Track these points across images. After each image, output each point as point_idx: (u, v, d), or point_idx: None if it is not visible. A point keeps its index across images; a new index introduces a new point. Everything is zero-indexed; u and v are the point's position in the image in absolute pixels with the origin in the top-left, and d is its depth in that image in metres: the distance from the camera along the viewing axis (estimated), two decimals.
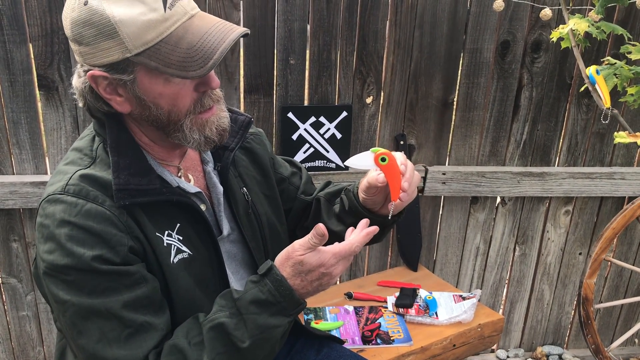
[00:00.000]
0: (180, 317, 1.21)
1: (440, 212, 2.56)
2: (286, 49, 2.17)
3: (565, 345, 2.90)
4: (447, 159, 2.48)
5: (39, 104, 2.09)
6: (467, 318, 2.07)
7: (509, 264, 2.71)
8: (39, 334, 2.39)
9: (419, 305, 2.11)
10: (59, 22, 1.98)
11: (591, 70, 1.78)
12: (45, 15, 1.97)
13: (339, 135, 2.29)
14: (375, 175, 1.31)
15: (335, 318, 2.07)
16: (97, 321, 1.11)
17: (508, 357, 2.83)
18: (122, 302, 1.11)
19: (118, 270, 1.11)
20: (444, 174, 2.41)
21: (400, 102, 2.33)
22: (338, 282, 2.53)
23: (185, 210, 1.24)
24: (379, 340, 1.95)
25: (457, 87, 2.36)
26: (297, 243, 1.17)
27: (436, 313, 2.08)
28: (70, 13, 1.11)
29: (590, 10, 1.97)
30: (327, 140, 2.29)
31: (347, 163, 1.30)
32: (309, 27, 2.17)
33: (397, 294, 2.18)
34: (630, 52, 1.77)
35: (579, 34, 1.80)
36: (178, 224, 1.23)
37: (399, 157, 1.29)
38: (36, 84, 2.05)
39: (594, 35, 1.77)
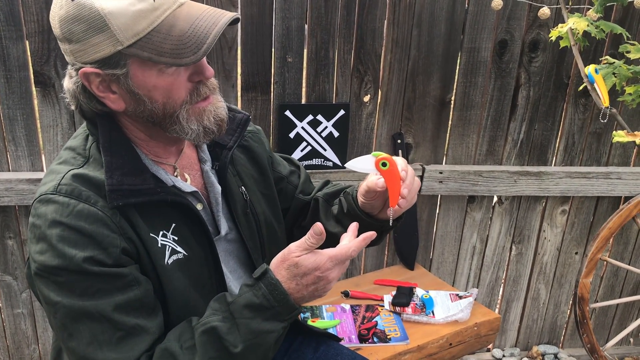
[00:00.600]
0: (174, 319, 1.20)
1: (437, 211, 2.56)
2: (284, 47, 2.16)
3: (560, 345, 2.91)
4: (444, 158, 2.48)
5: (35, 101, 2.08)
6: (463, 317, 2.06)
7: (505, 263, 2.71)
8: (34, 331, 2.38)
9: (416, 304, 2.11)
10: None
11: (590, 69, 1.79)
12: (41, 11, 1.96)
13: (336, 134, 2.29)
14: (375, 179, 1.30)
15: (332, 316, 2.07)
16: (88, 323, 1.09)
17: (504, 356, 2.83)
18: (113, 305, 1.09)
19: (110, 272, 1.09)
20: (441, 172, 2.41)
21: (398, 100, 2.33)
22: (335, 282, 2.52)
23: (180, 210, 1.22)
24: (375, 339, 1.95)
25: (455, 86, 2.36)
26: (294, 245, 1.16)
27: (433, 312, 2.08)
28: (58, 11, 1.09)
29: (589, 9, 1.97)
30: (324, 139, 2.29)
31: (347, 165, 1.29)
32: (306, 25, 2.17)
33: (394, 292, 2.18)
34: (629, 52, 1.77)
35: (578, 33, 1.80)
36: (173, 224, 1.21)
37: (400, 162, 1.28)
38: (32, 80, 2.04)
39: (592, 35, 1.78)
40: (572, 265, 2.74)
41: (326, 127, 2.28)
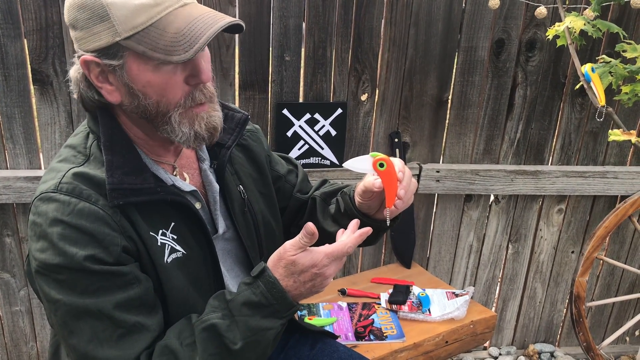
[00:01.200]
0: (173, 317, 1.20)
1: (434, 210, 2.57)
2: (281, 46, 2.17)
3: (557, 343, 2.92)
4: (441, 156, 2.49)
5: (33, 99, 2.08)
6: (459, 315, 2.07)
7: (501, 261, 2.72)
8: (32, 329, 2.38)
9: (412, 302, 2.12)
10: (54, 17, 1.98)
11: (586, 68, 1.79)
12: (40, 9, 1.96)
13: (333, 132, 2.30)
14: (372, 180, 1.30)
15: (329, 314, 2.08)
16: (88, 321, 1.10)
17: (500, 354, 2.84)
18: (114, 303, 1.10)
19: (110, 270, 1.10)
20: (437, 171, 2.41)
21: (395, 99, 2.34)
22: (332, 279, 2.53)
23: (179, 209, 1.22)
24: (372, 337, 1.96)
25: (452, 85, 2.37)
26: (288, 243, 1.17)
27: (429, 310, 2.09)
28: None
29: (586, 8, 1.98)
30: (321, 137, 2.30)
31: (345, 165, 1.30)
32: (304, 24, 2.17)
33: (391, 290, 2.19)
34: (625, 51, 1.77)
35: (575, 32, 1.81)
36: (172, 223, 1.22)
37: (398, 163, 1.29)
38: (30, 78, 2.04)
39: (589, 34, 1.78)
40: (568, 264, 2.75)
41: (324, 126, 2.28)
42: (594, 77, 1.76)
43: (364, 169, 1.28)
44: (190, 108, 1.16)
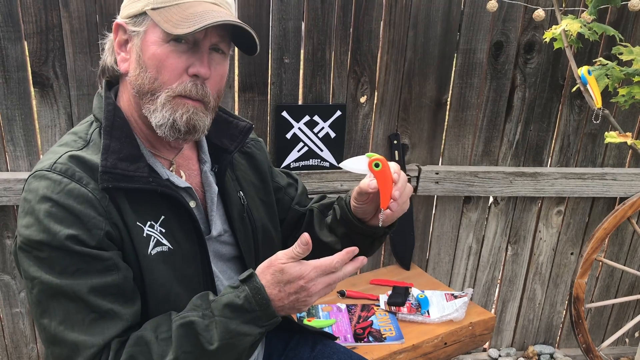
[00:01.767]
0: (153, 310, 1.20)
1: (433, 212, 2.58)
2: (281, 48, 2.18)
3: (556, 345, 2.92)
4: (440, 158, 2.50)
5: (34, 101, 2.09)
6: (458, 316, 2.08)
7: (501, 263, 2.72)
8: (32, 330, 2.39)
9: (411, 303, 2.12)
10: (54, 20, 1.99)
11: (583, 70, 1.80)
12: (40, 12, 1.97)
13: (333, 134, 2.31)
14: (367, 181, 1.31)
15: (328, 316, 2.08)
16: (62, 302, 1.10)
17: (500, 356, 2.84)
18: (90, 286, 1.11)
19: (90, 253, 1.11)
20: (437, 173, 2.42)
21: (394, 101, 2.35)
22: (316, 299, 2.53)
23: (172, 203, 1.23)
24: (370, 338, 1.97)
25: (451, 87, 2.37)
26: (281, 252, 1.17)
27: (428, 311, 2.10)
28: None
29: (584, 11, 1.98)
30: (321, 139, 2.30)
31: (341, 165, 1.31)
32: (303, 26, 2.18)
33: (390, 292, 2.19)
34: (621, 53, 1.78)
35: (572, 35, 1.82)
36: (162, 217, 1.22)
37: (393, 166, 1.29)
38: (31, 81, 2.05)
39: (586, 36, 1.79)
40: (567, 265, 2.75)
41: (323, 128, 2.29)
42: (591, 79, 1.76)
43: (359, 169, 1.28)
44: (179, 97, 1.19)
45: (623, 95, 1.82)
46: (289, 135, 2.27)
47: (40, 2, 1.96)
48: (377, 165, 1.25)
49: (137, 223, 1.18)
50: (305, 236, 1.14)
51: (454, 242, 2.64)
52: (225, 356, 1.13)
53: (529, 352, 2.85)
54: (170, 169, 1.30)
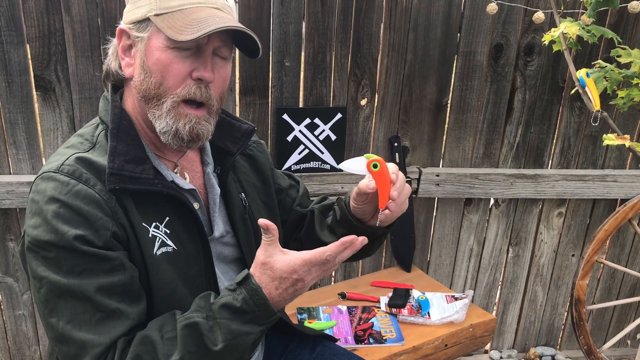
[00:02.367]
0: (159, 310, 1.22)
1: (434, 214, 2.58)
2: (281, 51, 2.19)
3: (558, 347, 2.92)
4: (441, 160, 2.50)
5: (36, 105, 2.10)
6: (459, 318, 2.08)
7: (502, 265, 2.73)
8: (35, 333, 2.40)
9: (412, 305, 2.13)
10: (57, 23, 2.00)
11: (581, 73, 1.80)
12: (42, 16, 1.99)
13: (333, 137, 2.31)
14: (366, 181, 1.33)
15: (329, 318, 2.09)
16: (70, 301, 1.12)
17: (501, 357, 2.84)
18: (97, 286, 1.12)
19: (98, 253, 1.12)
20: (437, 175, 2.43)
21: (395, 104, 2.35)
22: (332, 283, 2.55)
23: (176, 205, 1.25)
24: (371, 340, 1.97)
25: (451, 90, 2.38)
26: (258, 254, 1.18)
27: (428, 313, 2.10)
28: None
29: (583, 14, 1.99)
30: (321, 142, 2.31)
31: (340, 166, 1.32)
32: (304, 29, 2.19)
33: (390, 294, 2.20)
34: (620, 56, 1.79)
35: (570, 38, 1.82)
36: (167, 218, 1.24)
37: (391, 166, 1.31)
38: (33, 84, 2.07)
39: (585, 39, 1.80)
40: (568, 267, 2.75)
41: (323, 131, 2.30)
42: (589, 82, 1.77)
43: (358, 170, 1.30)
44: (186, 105, 1.21)
45: (622, 98, 1.82)
46: (289, 138, 2.28)
47: (43, 6, 1.98)
48: (375, 166, 1.27)
49: (143, 224, 1.20)
50: (262, 221, 1.15)
51: (455, 244, 2.64)
52: (229, 356, 1.15)
53: (531, 353, 2.85)
54: (175, 170, 1.32)
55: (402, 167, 2.40)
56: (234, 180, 1.43)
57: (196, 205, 1.31)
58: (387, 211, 1.31)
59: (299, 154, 2.31)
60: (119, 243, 1.17)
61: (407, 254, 2.52)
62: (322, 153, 2.33)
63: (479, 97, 2.40)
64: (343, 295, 2.26)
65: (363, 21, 2.21)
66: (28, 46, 2.02)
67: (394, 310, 2.12)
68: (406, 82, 2.33)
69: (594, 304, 2.81)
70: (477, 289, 2.75)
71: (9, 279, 2.29)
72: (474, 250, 2.67)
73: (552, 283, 2.78)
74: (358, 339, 1.97)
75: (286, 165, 2.31)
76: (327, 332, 1.98)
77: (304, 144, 2.30)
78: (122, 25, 1.24)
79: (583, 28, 1.76)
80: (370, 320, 2.08)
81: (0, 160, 2.13)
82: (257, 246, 1.43)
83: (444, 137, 2.46)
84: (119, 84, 1.32)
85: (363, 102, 2.32)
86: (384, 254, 2.60)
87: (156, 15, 1.17)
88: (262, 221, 1.15)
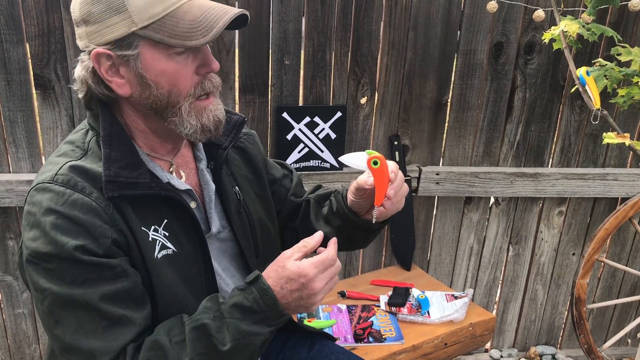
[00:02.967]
0: (163, 313, 1.22)
1: (434, 212, 2.58)
2: (281, 50, 2.19)
3: (558, 345, 2.92)
4: (441, 159, 2.50)
5: (36, 103, 2.10)
6: (458, 317, 2.08)
7: (502, 264, 2.72)
8: (34, 331, 2.40)
9: (411, 304, 2.12)
10: (56, 22, 2.00)
11: (581, 71, 1.80)
12: (42, 14, 1.99)
13: (333, 136, 2.31)
14: (365, 177, 1.33)
15: (328, 316, 2.09)
16: (75, 311, 1.11)
17: (501, 356, 2.84)
18: (101, 294, 1.12)
19: (99, 262, 1.12)
20: (437, 174, 2.42)
21: (395, 102, 2.35)
22: (321, 298, 2.54)
23: (173, 206, 1.25)
24: (370, 339, 1.97)
25: (451, 88, 2.38)
26: (288, 250, 1.21)
27: (428, 312, 2.10)
28: None
29: (583, 12, 1.99)
30: (321, 140, 2.31)
31: (341, 159, 1.33)
32: (303, 27, 2.19)
33: (390, 293, 2.20)
34: (620, 54, 1.78)
35: (570, 36, 1.82)
36: (165, 220, 1.24)
37: (391, 165, 1.31)
38: (33, 83, 2.07)
39: (585, 37, 1.79)
40: (569, 266, 2.75)
41: (323, 129, 2.30)
42: (589, 80, 1.77)
43: (358, 165, 1.30)
44: (199, 100, 1.21)
45: (622, 96, 1.82)
46: (289, 137, 2.28)
47: (42, 4, 1.98)
48: (375, 163, 1.27)
49: (142, 228, 1.20)
50: (318, 234, 1.21)
51: (455, 243, 2.64)
52: (238, 356, 1.15)
53: (531, 352, 2.84)
54: (170, 170, 1.31)
55: (402, 166, 2.39)
56: (227, 174, 1.43)
57: (193, 205, 1.31)
58: (382, 208, 1.32)
59: (299, 152, 2.31)
60: (119, 249, 1.16)
61: (407, 252, 2.51)
62: (322, 152, 2.32)
63: (479, 96, 2.40)
64: (342, 294, 2.25)
65: (363, 19, 2.20)
66: (27, 44, 2.02)
67: (393, 309, 2.11)
68: (406, 81, 2.32)
69: (595, 302, 2.80)
70: (477, 287, 2.74)
71: (9, 277, 2.29)
72: (474, 249, 2.66)
73: (552, 282, 2.78)
74: (357, 338, 1.97)
75: None
76: (326, 330, 1.98)
77: (304, 143, 2.30)
78: (97, 48, 1.14)
79: (583, 26, 1.75)
80: (370, 319, 2.07)
81: None
82: (254, 239, 1.44)
83: (444, 135, 2.46)
84: (107, 102, 1.25)
85: (363, 100, 2.32)
86: (383, 253, 2.60)
87: (143, 27, 1.12)
88: (319, 233, 1.22)
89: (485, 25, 2.28)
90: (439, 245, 2.63)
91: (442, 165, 2.50)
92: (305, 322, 2.04)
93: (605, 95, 2.13)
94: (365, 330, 2.01)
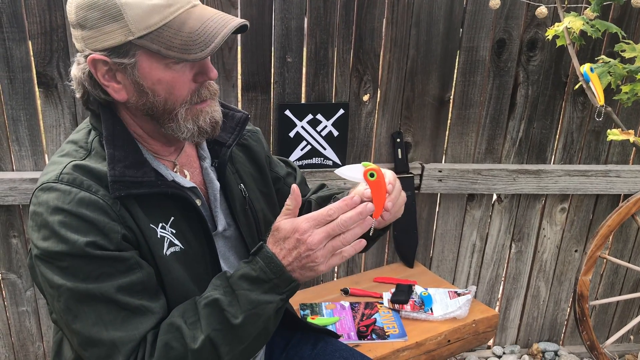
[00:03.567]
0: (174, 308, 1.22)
1: (437, 210, 2.58)
2: (283, 47, 2.18)
3: (561, 342, 2.92)
4: (444, 156, 2.50)
5: (38, 101, 2.10)
6: (461, 314, 2.08)
7: (505, 261, 2.72)
8: (38, 329, 2.41)
9: (414, 301, 2.13)
10: (58, 20, 2.00)
11: (585, 68, 1.80)
12: (44, 13, 1.99)
13: (335, 133, 2.31)
14: (362, 189, 1.29)
15: (332, 314, 2.09)
16: (92, 305, 1.11)
17: (504, 353, 2.85)
18: (116, 286, 1.12)
19: (112, 256, 1.12)
20: (440, 171, 2.42)
21: (397, 99, 2.35)
22: (335, 279, 2.55)
23: (179, 204, 1.25)
24: (374, 336, 1.97)
25: (454, 85, 2.38)
26: (279, 216, 1.20)
27: (431, 309, 2.10)
28: None
29: (587, 8, 1.98)
30: (324, 138, 2.31)
31: (337, 172, 1.30)
32: (306, 25, 2.19)
33: (393, 290, 2.20)
34: (624, 51, 1.78)
35: (574, 32, 1.82)
36: (172, 218, 1.24)
37: (388, 175, 1.29)
38: (35, 81, 2.07)
39: (588, 34, 1.79)
40: (571, 263, 2.75)
41: (326, 127, 2.30)
42: (593, 77, 1.76)
43: (355, 177, 1.27)
44: (195, 104, 1.21)
45: (626, 93, 1.82)
46: (292, 134, 2.28)
47: (44, 3, 1.98)
48: (372, 175, 1.24)
49: (151, 225, 1.20)
50: (293, 187, 1.17)
51: (458, 240, 2.64)
52: (252, 327, 1.15)
53: (534, 349, 2.85)
54: (174, 169, 1.31)
55: (405, 163, 2.39)
56: (232, 171, 1.42)
57: (198, 202, 1.31)
58: (380, 219, 1.30)
59: (301, 150, 2.31)
60: (129, 244, 1.16)
61: (410, 249, 2.51)
62: (325, 149, 2.32)
63: (482, 93, 2.39)
64: (346, 291, 2.26)
65: (365, 16, 2.20)
66: (30, 43, 2.02)
67: (396, 306, 2.11)
68: (408, 78, 2.32)
69: (597, 299, 2.80)
70: (479, 284, 2.75)
71: (12, 275, 2.29)
72: (476, 245, 2.66)
73: (554, 279, 2.78)
74: (361, 335, 1.97)
75: None
76: (330, 328, 1.98)
77: (306, 140, 2.30)
78: (93, 53, 1.14)
79: (587, 22, 1.75)
80: (373, 316, 2.08)
81: (2, 157, 2.13)
82: (259, 237, 1.44)
83: (447, 132, 2.46)
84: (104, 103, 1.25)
85: (365, 97, 2.32)
86: (386, 250, 2.60)
87: (140, 37, 1.10)
88: (294, 186, 1.18)
89: (488, 22, 2.28)
90: (441, 243, 2.63)
91: (445, 162, 2.50)
92: (309, 319, 2.04)
93: (608, 91, 2.13)
94: (369, 328, 2.01)
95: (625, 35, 1.90)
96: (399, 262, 2.56)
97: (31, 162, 2.15)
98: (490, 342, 2.89)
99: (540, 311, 2.84)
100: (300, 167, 2.32)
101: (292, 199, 1.18)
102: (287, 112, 2.25)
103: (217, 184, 1.36)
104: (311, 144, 2.31)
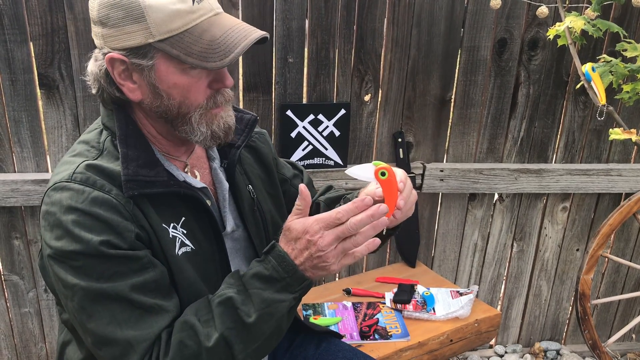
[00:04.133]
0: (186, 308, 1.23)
1: (438, 209, 2.58)
2: (285, 48, 2.19)
3: (563, 341, 2.92)
4: (445, 156, 2.50)
5: (40, 103, 2.11)
6: (464, 313, 2.08)
7: (506, 260, 2.73)
8: (40, 330, 2.41)
9: (417, 301, 2.13)
10: (60, 22, 2.00)
11: (587, 67, 1.80)
12: (45, 14, 1.99)
13: (337, 133, 2.31)
14: (373, 188, 1.30)
15: (334, 314, 2.09)
16: (106, 304, 1.12)
17: (506, 352, 2.85)
18: (130, 285, 1.12)
19: (126, 255, 1.12)
20: (441, 171, 2.42)
21: (398, 99, 2.35)
22: (337, 279, 2.55)
23: (190, 204, 1.25)
24: (376, 336, 1.97)
25: (455, 85, 2.38)
26: (290, 216, 1.20)
27: (433, 309, 2.10)
28: None
29: (587, 7, 1.98)
30: (325, 138, 2.31)
31: (347, 172, 1.29)
32: (307, 25, 2.19)
33: (395, 290, 2.20)
34: (625, 50, 1.78)
35: (575, 32, 1.82)
36: (183, 218, 1.24)
37: (399, 174, 1.29)
38: (37, 82, 2.07)
39: (590, 33, 1.79)
40: (573, 262, 2.75)
41: (327, 127, 2.30)
42: (595, 76, 1.77)
43: (365, 177, 1.26)
44: (210, 109, 1.21)
45: (627, 92, 1.82)
46: (293, 134, 2.28)
47: (46, 4, 1.98)
48: (383, 174, 1.24)
49: (163, 225, 1.20)
50: (301, 187, 1.16)
51: (460, 240, 2.64)
52: (265, 326, 1.15)
53: (535, 348, 2.85)
54: (185, 170, 1.32)
55: (406, 163, 2.39)
56: (241, 172, 1.43)
57: (208, 203, 1.31)
58: (392, 218, 1.30)
59: (303, 150, 2.31)
60: (142, 244, 1.17)
61: (412, 249, 2.52)
62: (326, 149, 2.33)
63: (483, 92, 2.39)
64: (348, 291, 2.26)
65: (366, 17, 2.20)
66: (31, 44, 2.02)
67: (399, 306, 2.12)
68: (410, 78, 2.32)
69: (599, 298, 2.80)
70: (481, 284, 2.75)
71: (15, 276, 2.30)
72: (478, 245, 2.67)
73: (556, 278, 2.78)
74: (363, 335, 1.98)
75: None
76: (332, 328, 1.98)
77: (308, 140, 2.30)
78: (112, 52, 1.15)
79: (588, 22, 1.75)
80: (376, 316, 2.08)
81: (4, 159, 2.13)
82: (267, 238, 1.44)
83: (448, 132, 2.46)
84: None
85: (367, 97, 2.32)
86: (388, 250, 2.60)
87: (160, 41, 1.11)
88: (301, 186, 1.17)
89: (489, 22, 2.28)
90: (443, 242, 2.64)
91: (446, 162, 2.50)
92: (311, 319, 2.04)
93: (610, 91, 2.13)
94: (371, 328, 2.01)
95: (626, 34, 1.90)
96: (401, 262, 2.57)
97: (33, 163, 2.16)
98: (493, 342, 2.89)
99: (542, 310, 2.84)
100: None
101: (301, 199, 1.17)
102: (289, 113, 2.25)
103: (226, 185, 1.37)
104: (313, 144, 2.31)
